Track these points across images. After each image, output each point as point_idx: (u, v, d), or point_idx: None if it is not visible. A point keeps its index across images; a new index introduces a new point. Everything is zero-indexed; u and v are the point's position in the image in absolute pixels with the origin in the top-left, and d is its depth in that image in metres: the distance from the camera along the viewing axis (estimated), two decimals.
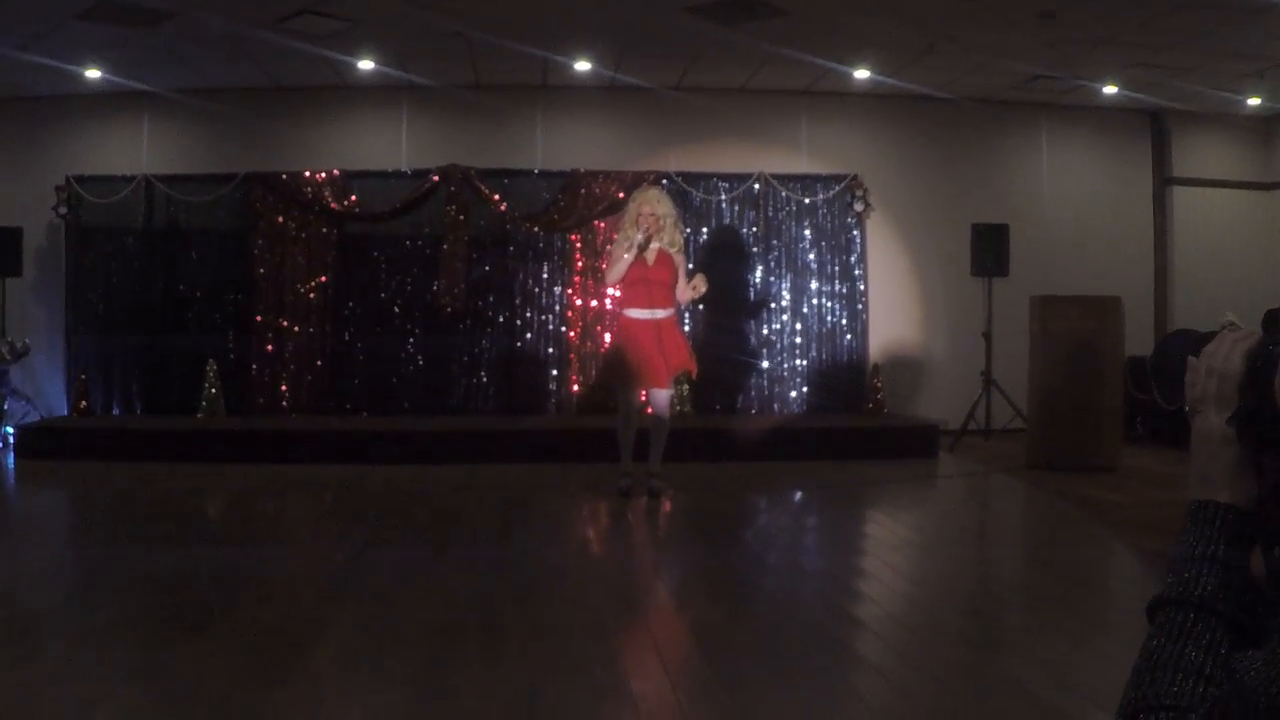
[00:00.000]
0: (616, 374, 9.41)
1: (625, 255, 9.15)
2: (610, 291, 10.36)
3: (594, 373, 13.29)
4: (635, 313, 9.27)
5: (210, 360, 12.98)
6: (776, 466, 11.26)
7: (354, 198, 13.57)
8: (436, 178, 13.50)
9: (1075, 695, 4.40)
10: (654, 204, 9.26)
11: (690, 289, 9.23)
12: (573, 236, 13.65)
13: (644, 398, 9.91)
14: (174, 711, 4.28)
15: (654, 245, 9.17)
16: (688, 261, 13.41)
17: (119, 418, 13.25)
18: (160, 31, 11.09)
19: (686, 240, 13.59)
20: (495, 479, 10.51)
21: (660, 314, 9.21)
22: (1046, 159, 14.60)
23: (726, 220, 13.93)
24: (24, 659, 4.84)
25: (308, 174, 13.45)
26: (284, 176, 13.46)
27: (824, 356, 13.99)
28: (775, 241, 13.97)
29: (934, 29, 11.21)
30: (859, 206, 13.90)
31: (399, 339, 13.63)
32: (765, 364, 13.92)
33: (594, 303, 13.58)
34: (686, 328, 13.40)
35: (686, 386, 12.77)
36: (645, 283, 9.18)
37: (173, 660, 4.84)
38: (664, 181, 13.20)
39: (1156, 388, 12.76)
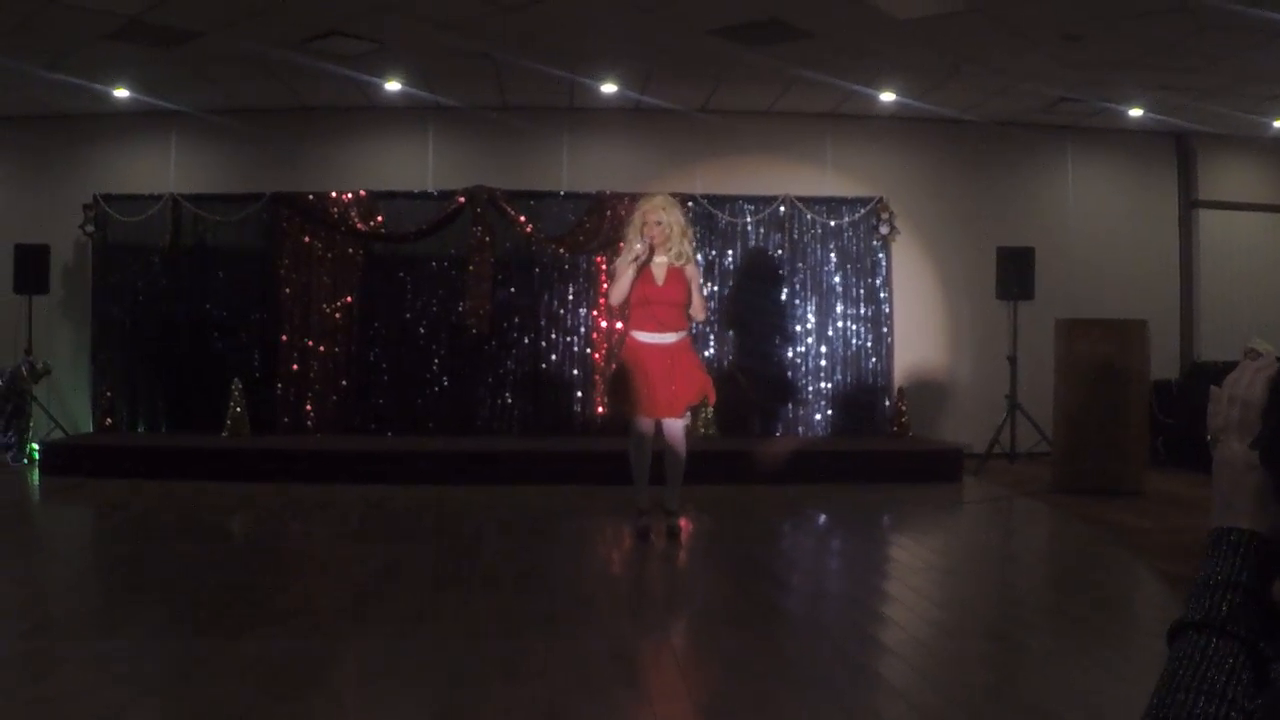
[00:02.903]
0: (624, 400, 8.56)
1: (629, 270, 8.30)
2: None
3: (600, 396, 13.26)
4: (644, 336, 8.40)
5: (235, 379, 13.02)
6: (800, 489, 11.22)
7: (380, 218, 13.60)
8: (462, 199, 13.52)
9: None
10: (659, 211, 8.38)
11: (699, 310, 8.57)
12: (598, 258, 13.64)
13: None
14: None
15: (661, 259, 8.38)
16: (711, 281, 13.57)
17: (144, 435, 13.30)
18: (189, 51, 11.16)
19: (711, 263, 13.65)
20: (519, 500, 10.50)
21: (671, 338, 8.37)
22: (1072, 182, 14.56)
23: (752, 242, 13.92)
24: (45, 673, 4.85)
25: (334, 194, 13.49)
26: (310, 197, 13.50)
27: (849, 379, 13.96)
28: (800, 264, 13.95)
29: (959, 52, 11.21)
30: (884, 229, 13.87)
31: (424, 360, 13.65)
32: (790, 386, 13.89)
33: (619, 324, 13.55)
34: (710, 350, 13.44)
35: (710, 409, 12.73)
36: (654, 304, 8.34)
37: (194, 677, 4.84)
38: (689, 204, 13.18)
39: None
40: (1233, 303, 14.12)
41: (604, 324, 13.61)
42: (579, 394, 13.74)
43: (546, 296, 13.77)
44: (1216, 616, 1.31)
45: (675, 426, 8.46)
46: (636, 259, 8.31)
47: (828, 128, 14.17)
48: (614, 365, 9.33)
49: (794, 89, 12.83)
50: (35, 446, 12.41)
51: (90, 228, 13.32)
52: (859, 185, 14.09)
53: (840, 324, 13.98)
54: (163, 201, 13.45)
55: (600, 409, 13.44)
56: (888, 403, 13.88)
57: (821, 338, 13.95)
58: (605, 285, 13.45)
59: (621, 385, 8.56)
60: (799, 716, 4.57)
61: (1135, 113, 13.44)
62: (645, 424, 8.45)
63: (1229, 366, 1.42)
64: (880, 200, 13.91)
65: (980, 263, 13.52)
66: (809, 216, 13.91)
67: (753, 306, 13.84)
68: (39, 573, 7.56)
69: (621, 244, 8.75)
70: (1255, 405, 1.35)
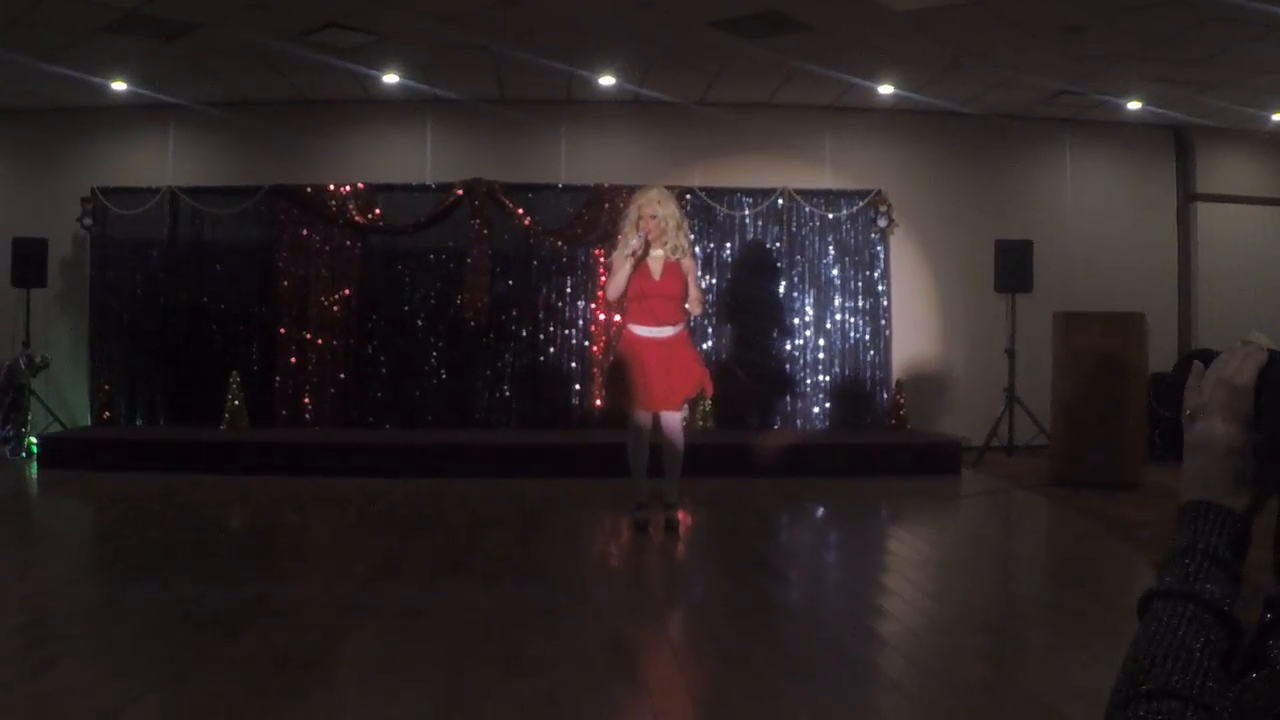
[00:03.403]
0: (622, 393, 8.53)
1: (625, 265, 8.24)
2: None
3: (599, 389, 13.20)
4: (641, 330, 8.38)
5: (233, 372, 13.00)
6: (799, 482, 11.22)
7: (378, 211, 13.60)
8: (461, 191, 13.51)
9: (1098, 714, 4.36)
10: (654, 205, 8.31)
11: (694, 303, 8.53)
12: (596, 251, 13.61)
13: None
14: None
15: (657, 253, 8.33)
16: (709, 274, 13.57)
17: (142, 429, 13.29)
18: (186, 44, 11.14)
19: (709, 256, 13.65)
20: (517, 493, 10.50)
21: (668, 331, 8.34)
22: (1071, 175, 14.56)
23: (750, 235, 13.92)
24: (42, 669, 4.85)
25: (332, 187, 13.49)
26: (308, 189, 13.50)
27: (847, 372, 13.96)
28: (799, 257, 13.95)
29: (959, 45, 11.20)
30: (883, 222, 13.87)
31: (422, 352, 13.64)
32: (788, 379, 13.89)
33: (617, 317, 13.55)
34: (709, 343, 13.44)
35: (709, 402, 12.75)
36: (650, 298, 8.31)
37: (192, 673, 4.84)
38: (687, 197, 13.18)
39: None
40: (1230, 296, 14.10)
41: (602, 317, 13.59)
42: (577, 387, 13.74)
43: (544, 289, 13.77)
44: (1193, 586, 1.30)
45: (673, 419, 8.47)
46: (633, 254, 8.24)
47: (826, 121, 14.16)
48: (611, 358, 9.20)
49: (793, 82, 12.82)
50: (33, 440, 12.40)
51: (88, 221, 13.30)
52: (857, 178, 14.08)
53: (838, 317, 13.98)
54: (161, 194, 13.44)
55: (598, 402, 13.42)
56: (886, 395, 13.88)
57: (820, 331, 13.94)
58: (604, 278, 13.44)
59: (619, 378, 8.53)
60: (797, 709, 4.57)
61: (1134, 106, 13.44)
62: (643, 417, 8.44)
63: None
64: (879, 193, 13.89)
65: (978, 256, 13.51)
66: (807, 209, 13.91)
67: (751, 299, 13.83)
68: (37, 566, 7.55)
69: (619, 237, 8.67)
70: (1244, 390, 1.35)
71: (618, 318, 11.13)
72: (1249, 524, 1.35)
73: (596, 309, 13.66)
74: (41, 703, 4.41)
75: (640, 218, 8.31)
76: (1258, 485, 1.35)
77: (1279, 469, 1.33)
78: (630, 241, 8.28)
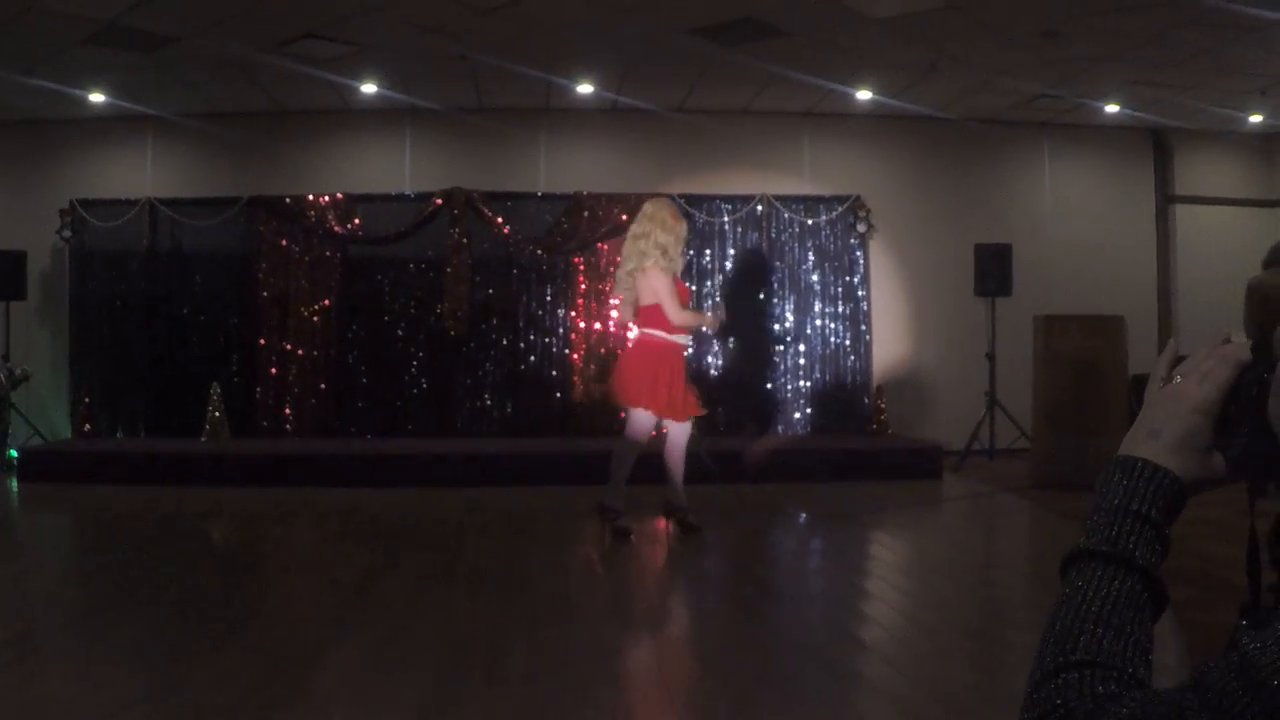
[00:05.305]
0: (643, 398, 8.39)
1: (702, 318, 9.02)
2: (617, 312, 8.93)
3: (611, 387, 12.90)
4: (678, 338, 8.48)
5: (214, 383, 12.98)
6: (780, 488, 11.21)
7: (357, 221, 13.58)
8: (440, 201, 13.51)
9: None
10: (682, 225, 8.47)
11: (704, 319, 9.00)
12: (576, 259, 13.64)
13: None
14: None
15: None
16: (689, 281, 13.58)
17: (123, 441, 13.25)
18: (164, 56, 11.12)
19: (689, 263, 13.65)
20: (499, 502, 10.49)
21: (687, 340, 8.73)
22: (1049, 178, 14.60)
23: (729, 242, 13.93)
24: (29, 681, 4.84)
25: (311, 197, 13.47)
26: (288, 200, 13.48)
27: (827, 377, 13.98)
28: (778, 263, 13.96)
29: (936, 49, 11.23)
30: (862, 227, 13.90)
31: (403, 362, 13.64)
32: (769, 385, 13.89)
33: (597, 325, 13.60)
34: (689, 352, 13.45)
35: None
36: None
37: (178, 684, 4.83)
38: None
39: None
40: (1209, 297, 14.11)
41: (582, 324, 13.61)
42: (558, 394, 13.73)
43: (525, 297, 13.77)
44: (1125, 549, 1.25)
45: (683, 428, 8.61)
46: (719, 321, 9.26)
47: (805, 127, 14.18)
48: (630, 362, 8.75)
49: (771, 88, 12.84)
50: (14, 453, 12.34)
51: (67, 233, 13.27)
52: (836, 184, 14.11)
53: (818, 322, 14.01)
54: (139, 206, 13.41)
55: (578, 398, 13.44)
56: (866, 401, 13.90)
57: (800, 336, 13.96)
58: (584, 286, 13.47)
59: (641, 383, 8.45)
60: (781, 717, 4.57)
61: (1112, 109, 13.49)
62: (650, 428, 8.55)
63: None
64: (857, 198, 13.93)
65: (958, 260, 13.53)
66: (786, 215, 13.93)
67: (731, 306, 13.81)
68: (19, 580, 7.52)
69: (668, 251, 8.33)
70: (1236, 365, 1.30)
71: (613, 326, 11.15)
72: (1186, 496, 1.29)
73: (576, 317, 13.67)
74: (29, 714, 4.40)
75: (679, 241, 8.41)
76: (1209, 461, 1.30)
77: (1247, 476, 1.30)
78: (677, 261, 8.43)
